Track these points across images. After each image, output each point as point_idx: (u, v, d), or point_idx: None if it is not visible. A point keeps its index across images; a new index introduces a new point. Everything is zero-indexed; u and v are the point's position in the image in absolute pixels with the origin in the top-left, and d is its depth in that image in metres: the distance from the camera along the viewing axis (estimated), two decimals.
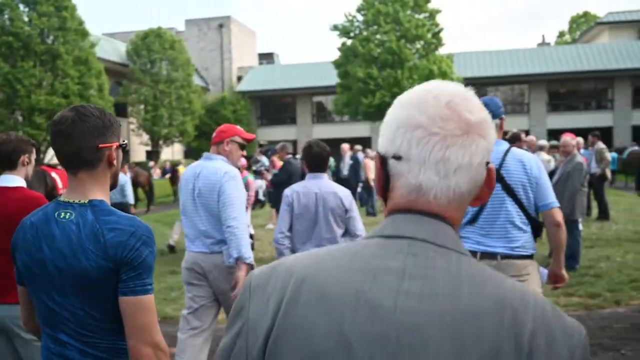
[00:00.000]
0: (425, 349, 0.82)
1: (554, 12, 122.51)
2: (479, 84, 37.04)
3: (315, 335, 0.86)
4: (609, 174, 11.88)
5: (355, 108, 28.45)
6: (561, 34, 63.49)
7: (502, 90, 38.21)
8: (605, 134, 35.85)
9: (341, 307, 0.86)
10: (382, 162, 0.98)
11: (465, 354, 0.81)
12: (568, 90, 37.43)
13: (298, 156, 10.02)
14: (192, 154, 34.38)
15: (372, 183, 14.01)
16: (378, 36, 28.04)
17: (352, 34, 28.70)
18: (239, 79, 39.09)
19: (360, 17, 28.78)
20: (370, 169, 14.53)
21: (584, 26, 55.16)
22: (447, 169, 0.92)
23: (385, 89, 26.82)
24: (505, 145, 3.49)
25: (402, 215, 0.95)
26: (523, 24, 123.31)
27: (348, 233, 4.13)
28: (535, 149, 10.36)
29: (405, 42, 27.64)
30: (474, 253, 3.33)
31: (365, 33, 28.16)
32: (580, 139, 10.21)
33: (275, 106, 39.41)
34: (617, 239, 9.75)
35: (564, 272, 3.61)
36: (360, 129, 35.39)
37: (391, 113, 0.99)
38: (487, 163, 0.96)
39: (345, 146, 17.05)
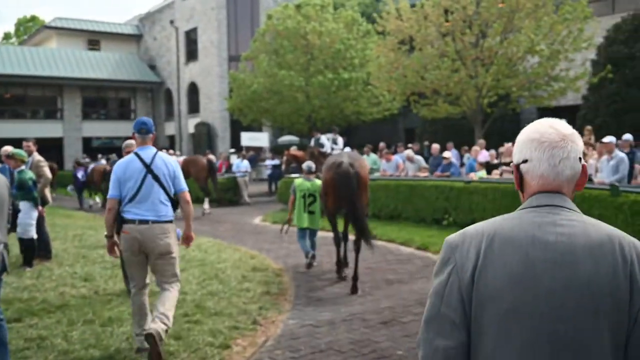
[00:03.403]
0: (578, 263, 1.43)
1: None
2: None
3: (510, 263, 1.45)
4: (49, 196, 9.20)
5: None
6: (7, 36, 59.17)
7: None
8: (56, 145, 34.00)
9: (524, 245, 1.46)
10: (517, 166, 1.61)
11: (600, 264, 1.42)
12: (14, 96, 34.11)
13: None
14: None
15: None
16: None
17: None
18: None
19: None
20: None
21: (32, 30, 52.30)
22: (555, 161, 1.54)
23: None
24: (154, 150, 5.03)
25: (540, 194, 1.55)
26: None
27: None
28: None
29: None
30: (133, 220, 4.80)
31: None
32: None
33: None
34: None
35: (192, 234, 5.24)
36: None
37: (520, 137, 1.61)
38: (580, 159, 1.55)
39: None
